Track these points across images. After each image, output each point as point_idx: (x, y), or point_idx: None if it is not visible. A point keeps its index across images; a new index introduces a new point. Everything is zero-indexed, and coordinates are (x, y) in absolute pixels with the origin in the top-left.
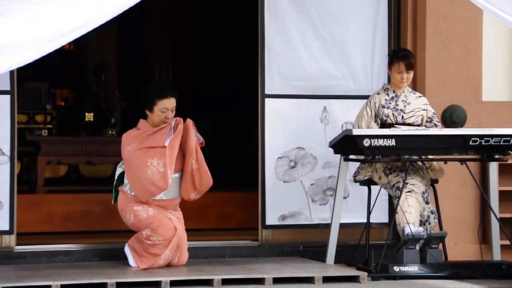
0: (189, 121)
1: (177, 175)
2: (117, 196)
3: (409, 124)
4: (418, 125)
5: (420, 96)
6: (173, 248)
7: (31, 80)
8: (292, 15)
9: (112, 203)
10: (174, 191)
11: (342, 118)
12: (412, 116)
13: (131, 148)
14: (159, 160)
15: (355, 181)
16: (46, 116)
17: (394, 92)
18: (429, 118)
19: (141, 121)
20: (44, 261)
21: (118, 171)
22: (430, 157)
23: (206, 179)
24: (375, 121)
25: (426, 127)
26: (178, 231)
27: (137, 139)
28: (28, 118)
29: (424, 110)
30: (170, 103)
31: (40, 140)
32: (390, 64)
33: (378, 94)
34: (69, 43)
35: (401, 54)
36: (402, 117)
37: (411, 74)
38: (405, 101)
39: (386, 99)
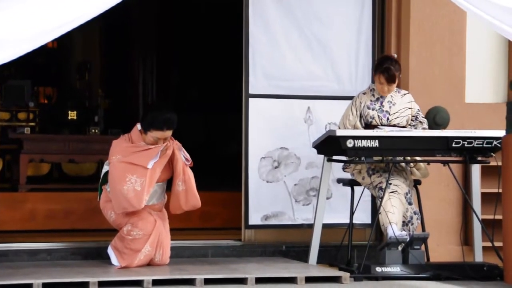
0: (176, 145)
1: (160, 183)
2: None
3: (394, 126)
4: (403, 126)
5: (405, 94)
6: (154, 242)
7: (14, 77)
8: (277, 15)
9: (97, 200)
10: (155, 197)
11: (326, 118)
12: (397, 118)
13: (115, 159)
14: (138, 178)
15: (339, 181)
16: (29, 114)
17: (379, 93)
18: (414, 116)
19: (136, 130)
20: (26, 259)
21: (105, 169)
22: (418, 158)
23: (193, 201)
24: (360, 121)
25: (411, 125)
26: (157, 224)
27: (124, 152)
28: (11, 115)
29: (409, 108)
30: (163, 135)
31: (23, 138)
32: (374, 73)
33: (364, 94)
34: (53, 41)
35: (384, 66)
36: (388, 118)
37: (394, 86)
38: (391, 102)
39: (371, 100)
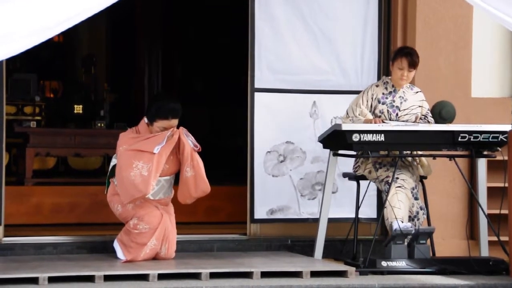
0: (182, 130)
1: (168, 177)
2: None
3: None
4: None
5: (417, 92)
6: (160, 236)
7: (20, 71)
8: (282, 9)
9: (105, 193)
10: (162, 192)
11: (331, 113)
12: (406, 114)
13: (122, 149)
14: (144, 164)
15: (345, 175)
16: (35, 108)
17: (393, 86)
18: (423, 115)
19: (143, 123)
20: (32, 253)
21: (113, 162)
22: (419, 152)
23: (202, 186)
24: (370, 110)
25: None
26: (164, 218)
27: (130, 142)
28: (17, 109)
29: (419, 106)
30: (169, 124)
31: (29, 131)
32: (393, 59)
33: (377, 86)
34: (58, 35)
35: (406, 51)
36: (397, 114)
37: (413, 72)
38: (402, 97)
39: (383, 93)
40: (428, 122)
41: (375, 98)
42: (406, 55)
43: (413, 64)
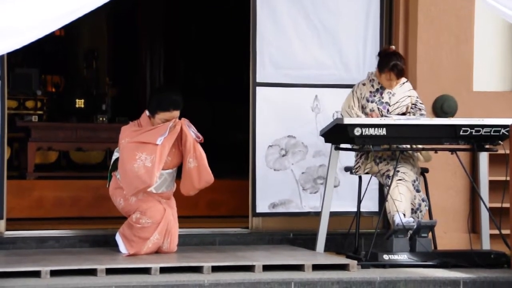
0: (184, 121)
1: (170, 170)
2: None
3: None
4: (403, 114)
5: (404, 83)
6: (162, 230)
7: (22, 66)
8: (285, 4)
9: (106, 186)
10: (165, 185)
11: (333, 107)
12: (397, 108)
13: (125, 142)
14: (147, 155)
15: (346, 169)
16: (36, 102)
17: (379, 83)
18: (413, 104)
19: (145, 116)
20: (34, 246)
21: (115, 155)
22: (421, 146)
23: (205, 177)
24: (361, 111)
25: (410, 113)
26: (166, 213)
27: (133, 134)
28: (19, 104)
29: (408, 96)
30: (171, 116)
31: (31, 126)
32: (381, 70)
33: (363, 85)
34: (60, 29)
35: (392, 64)
36: (388, 110)
37: (401, 78)
38: (390, 92)
39: (371, 91)
40: (419, 109)
41: (364, 97)
42: (393, 69)
43: (401, 74)
